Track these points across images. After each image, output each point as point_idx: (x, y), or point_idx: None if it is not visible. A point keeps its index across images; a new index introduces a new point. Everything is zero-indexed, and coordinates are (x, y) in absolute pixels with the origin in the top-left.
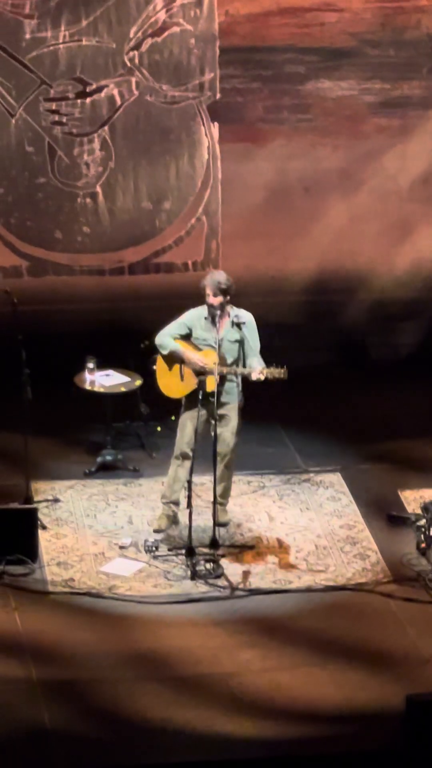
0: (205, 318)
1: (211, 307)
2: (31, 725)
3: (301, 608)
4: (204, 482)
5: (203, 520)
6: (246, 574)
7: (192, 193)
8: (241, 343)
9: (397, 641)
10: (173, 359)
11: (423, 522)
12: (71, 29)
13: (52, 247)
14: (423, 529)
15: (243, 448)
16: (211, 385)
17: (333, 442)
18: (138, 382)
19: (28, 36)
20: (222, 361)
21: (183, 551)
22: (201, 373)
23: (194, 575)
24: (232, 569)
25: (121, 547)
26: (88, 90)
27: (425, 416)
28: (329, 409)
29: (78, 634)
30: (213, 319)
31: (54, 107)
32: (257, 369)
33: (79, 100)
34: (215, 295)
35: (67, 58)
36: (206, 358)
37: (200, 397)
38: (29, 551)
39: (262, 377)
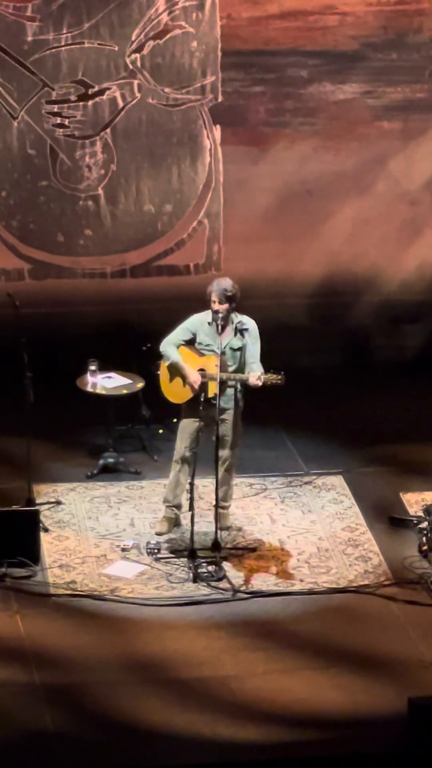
0: (209, 323)
1: (216, 313)
2: (33, 729)
3: (303, 611)
4: (206, 485)
5: (205, 522)
6: (248, 577)
7: (194, 196)
8: (243, 350)
9: (399, 644)
10: (174, 370)
11: (425, 524)
12: (73, 32)
13: (54, 250)
14: (425, 532)
15: (245, 451)
16: (212, 390)
17: (335, 444)
18: (140, 385)
19: (30, 38)
20: (223, 367)
21: (185, 554)
22: (203, 377)
23: (196, 578)
24: (233, 572)
25: (123, 550)
26: (90, 92)
27: (428, 419)
28: (331, 412)
29: (80, 637)
30: (217, 325)
31: (56, 110)
32: (255, 374)
33: (81, 103)
34: (221, 303)
35: (69, 61)
36: (207, 364)
37: (201, 400)
38: (31, 554)
39: (260, 383)
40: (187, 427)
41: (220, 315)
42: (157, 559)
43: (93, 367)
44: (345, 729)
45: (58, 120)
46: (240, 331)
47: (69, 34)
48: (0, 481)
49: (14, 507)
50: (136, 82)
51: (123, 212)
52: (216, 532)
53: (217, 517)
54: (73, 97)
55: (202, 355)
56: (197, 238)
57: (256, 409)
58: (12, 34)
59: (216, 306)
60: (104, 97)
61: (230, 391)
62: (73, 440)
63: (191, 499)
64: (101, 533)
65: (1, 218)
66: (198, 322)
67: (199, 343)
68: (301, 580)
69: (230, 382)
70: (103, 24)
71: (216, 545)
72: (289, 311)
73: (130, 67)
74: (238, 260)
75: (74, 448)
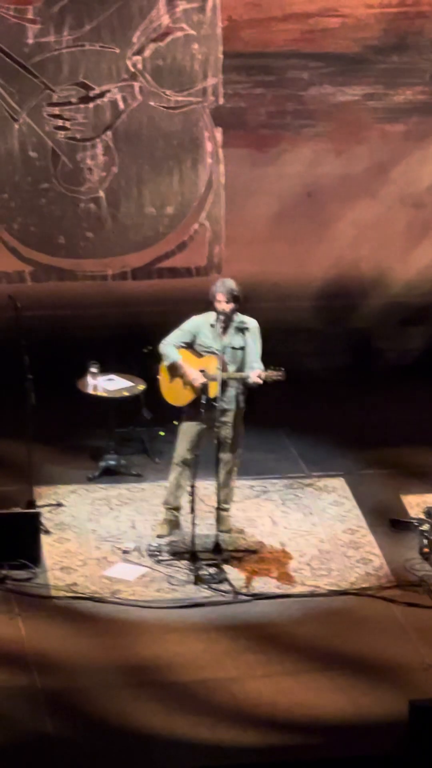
0: (212, 325)
1: (221, 313)
2: (34, 732)
3: (304, 613)
4: (207, 487)
5: (206, 525)
6: (249, 579)
7: (195, 199)
8: (244, 349)
9: (400, 646)
10: (174, 370)
11: (426, 527)
12: (74, 34)
13: (55, 252)
14: (426, 534)
15: (246, 453)
16: (213, 390)
17: (336, 447)
18: (141, 387)
19: (31, 41)
20: (224, 367)
21: (186, 556)
22: (199, 387)
23: (197, 580)
24: (234, 574)
25: (124, 552)
26: (91, 95)
27: (428, 421)
28: (333, 414)
29: (81, 639)
30: (221, 325)
31: (57, 112)
32: (254, 372)
33: (82, 105)
34: (228, 302)
35: (71, 63)
36: (207, 366)
37: (203, 402)
38: (32, 556)
39: (260, 381)
40: (188, 429)
41: (225, 315)
42: (158, 562)
43: (94, 370)
44: (346, 731)
45: (60, 122)
46: (241, 330)
47: (70, 37)
48: (1, 483)
49: (15, 509)
50: (137, 84)
51: (124, 215)
52: (217, 534)
53: (218, 520)
54: (74, 100)
55: (201, 356)
56: (198, 241)
57: (257, 411)
58: (13, 36)
59: (222, 306)
60: (105, 99)
61: (231, 393)
62: (74, 442)
63: (192, 502)
64: (102, 535)
65: (3, 221)
66: (198, 324)
67: (200, 345)
68: (302, 583)
69: (231, 382)
70: (104, 26)
71: (217, 547)
72: (290, 314)
73: (132, 69)
74: (240, 262)
75: (75, 450)
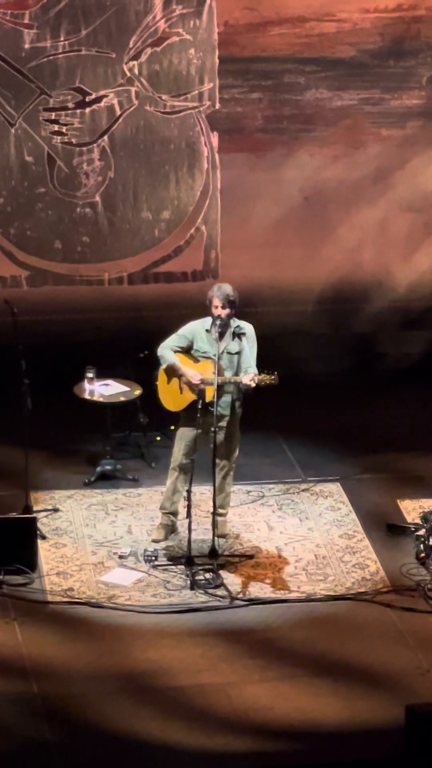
0: (207, 330)
1: (218, 318)
2: (30, 738)
3: (300, 618)
4: (204, 492)
5: (202, 530)
6: (245, 584)
7: (191, 203)
8: (240, 354)
9: (396, 651)
10: (172, 372)
11: (422, 532)
12: (71, 39)
13: (51, 257)
14: (422, 539)
15: (242, 458)
16: (209, 395)
17: (333, 452)
18: (137, 392)
19: (27, 46)
20: (220, 372)
21: (182, 561)
22: (197, 387)
23: (194, 585)
24: (231, 579)
25: (121, 557)
26: (87, 100)
27: (426, 426)
28: (329, 419)
29: (77, 644)
30: (218, 331)
31: (53, 117)
32: (248, 375)
33: (78, 110)
34: (224, 307)
35: (67, 68)
36: (203, 371)
37: (199, 407)
38: (28, 561)
39: (253, 384)
40: (185, 434)
41: (221, 320)
42: (155, 567)
43: (90, 375)
44: (343, 736)
45: (56, 127)
46: (237, 336)
47: (66, 42)
48: None
49: (12, 514)
50: (133, 89)
51: (120, 219)
52: (213, 539)
53: (215, 525)
54: (70, 105)
55: (198, 361)
56: (195, 245)
57: (254, 416)
58: (9, 41)
59: (218, 311)
60: (102, 104)
61: (228, 398)
62: (71, 447)
63: (189, 507)
64: (99, 540)
65: None
66: (195, 329)
67: (196, 350)
68: (299, 588)
69: (227, 387)
70: (100, 31)
71: (213, 552)
72: (286, 318)
73: (128, 74)
74: (236, 267)
75: (71, 455)
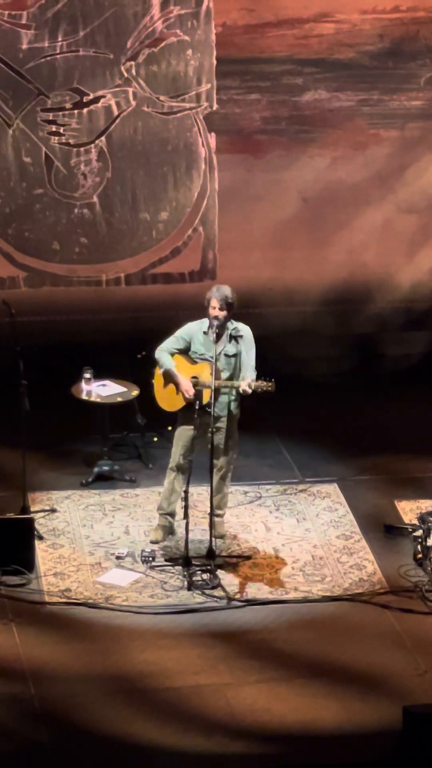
0: (204, 332)
1: (215, 320)
2: (28, 740)
3: (297, 619)
4: (201, 493)
5: (200, 530)
6: (243, 585)
7: (189, 204)
8: (238, 357)
9: (394, 652)
10: (168, 377)
11: (419, 532)
12: (68, 39)
13: (49, 257)
14: (420, 540)
15: (240, 459)
16: (206, 397)
17: (330, 452)
18: (135, 393)
19: (25, 46)
20: (217, 374)
21: (180, 562)
22: (196, 385)
23: (191, 586)
24: (228, 579)
25: (118, 558)
26: (85, 100)
27: (423, 427)
28: (327, 420)
29: (74, 645)
30: (215, 332)
31: (51, 118)
32: (245, 381)
33: (76, 111)
34: (221, 309)
35: (65, 69)
36: (201, 373)
37: (197, 408)
38: (26, 562)
39: (249, 390)
40: (182, 435)
41: (219, 322)
42: (152, 567)
43: (88, 375)
44: (340, 737)
45: (54, 128)
46: (235, 338)
47: (64, 42)
48: None
49: (9, 515)
50: (131, 90)
51: (118, 220)
52: (211, 540)
53: (212, 525)
54: (68, 105)
55: (195, 363)
56: (192, 246)
57: (251, 417)
58: (7, 42)
59: (215, 312)
60: (99, 105)
61: (224, 399)
62: (68, 448)
63: (186, 507)
64: (96, 541)
65: None
66: (193, 331)
67: (194, 352)
68: (296, 589)
69: (223, 390)
70: (98, 32)
71: (211, 553)
72: (284, 319)
73: (126, 75)
74: (234, 268)
75: (69, 455)
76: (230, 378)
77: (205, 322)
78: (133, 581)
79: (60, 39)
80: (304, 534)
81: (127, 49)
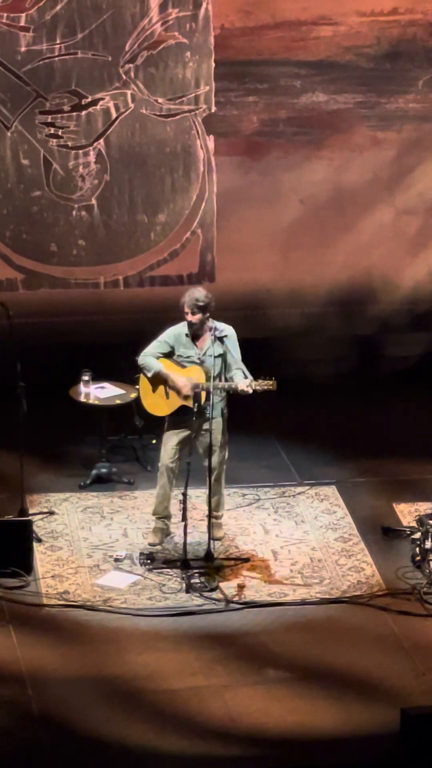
0: (186, 335)
1: (191, 324)
2: (25, 742)
3: (295, 621)
4: (199, 495)
5: (198, 533)
6: (241, 587)
7: (187, 206)
8: (223, 357)
9: (392, 654)
10: (158, 379)
11: (418, 535)
12: (67, 42)
13: (47, 259)
14: (418, 542)
15: (238, 461)
16: (201, 399)
17: (329, 455)
18: (133, 395)
19: (23, 49)
20: (208, 375)
21: (178, 564)
22: (197, 387)
23: (189, 588)
24: (226, 582)
25: (116, 560)
26: (83, 103)
27: (422, 429)
28: (325, 422)
29: (73, 647)
30: (193, 336)
31: (49, 120)
32: (245, 381)
33: (74, 113)
34: (193, 313)
35: (63, 71)
36: (192, 377)
37: (195, 410)
38: (24, 564)
39: (250, 390)
40: (170, 438)
41: (194, 326)
42: (150, 570)
43: (86, 378)
44: (338, 740)
45: (52, 130)
46: (219, 339)
47: (62, 45)
48: None
49: (7, 517)
50: (129, 92)
51: (116, 222)
52: (209, 542)
53: (210, 528)
54: (66, 108)
55: (185, 367)
56: (190, 248)
57: (249, 419)
58: (5, 44)
59: (189, 317)
60: (98, 107)
61: (214, 401)
62: (66, 450)
63: (184, 510)
64: (94, 543)
65: None
66: (174, 335)
67: (179, 356)
68: (294, 591)
69: (215, 391)
70: (96, 34)
71: (209, 556)
72: (282, 321)
73: (124, 77)
74: (231, 270)
75: (67, 458)
76: (217, 379)
77: (186, 325)
78: (131, 583)
79: (58, 41)
80: (302, 536)
81: (126, 51)
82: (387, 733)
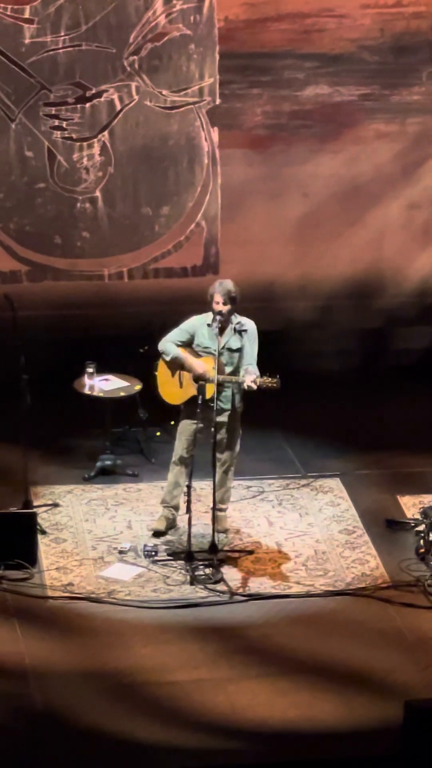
0: (209, 325)
1: (218, 314)
2: (29, 736)
3: (300, 613)
4: (204, 487)
5: (202, 525)
6: (245, 580)
7: (191, 199)
8: (241, 351)
9: (395, 647)
10: (175, 365)
11: (422, 527)
12: (71, 34)
13: (51, 252)
14: (422, 535)
15: (242, 454)
16: (209, 391)
17: (333, 447)
18: (137, 387)
19: (27, 41)
20: (220, 368)
21: (182, 556)
22: (200, 379)
23: (193, 580)
24: (231, 574)
25: (121, 552)
26: (87, 95)
27: (427, 422)
28: (329, 415)
29: (77, 640)
30: (218, 326)
31: (53, 112)
32: (250, 377)
33: (78, 105)
34: (225, 303)
35: (67, 63)
36: (206, 365)
37: (200, 402)
38: (28, 556)
39: (254, 386)
40: (185, 428)
41: (222, 316)
42: (155, 562)
43: (90, 370)
44: (341, 732)
45: (56, 122)
46: (239, 332)
47: (66, 37)
48: None
49: (11, 509)
50: (133, 84)
51: (120, 214)
52: (213, 534)
53: (215, 520)
54: (70, 100)
55: (199, 356)
56: (195, 241)
57: (254, 412)
58: (9, 36)
59: (219, 307)
60: (102, 99)
61: (228, 394)
62: (71, 442)
63: (188, 502)
64: (98, 536)
65: None
66: (197, 324)
67: (197, 345)
68: (298, 583)
69: (226, 384)
70: (100, 26)
71: (213, 548)
72: (286, 315)
73: (128, 69)
74: (236, 263)
75: (71, 450)
76: (234, 372)
77: (209, 315)
78: (135, 576)
79: (62, 33)
80: (306, 529)
81: (130, 43)
82: (390, 725)
